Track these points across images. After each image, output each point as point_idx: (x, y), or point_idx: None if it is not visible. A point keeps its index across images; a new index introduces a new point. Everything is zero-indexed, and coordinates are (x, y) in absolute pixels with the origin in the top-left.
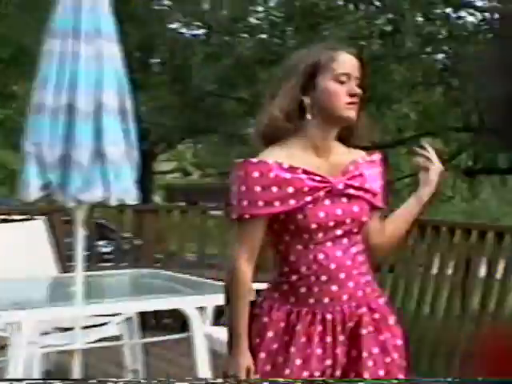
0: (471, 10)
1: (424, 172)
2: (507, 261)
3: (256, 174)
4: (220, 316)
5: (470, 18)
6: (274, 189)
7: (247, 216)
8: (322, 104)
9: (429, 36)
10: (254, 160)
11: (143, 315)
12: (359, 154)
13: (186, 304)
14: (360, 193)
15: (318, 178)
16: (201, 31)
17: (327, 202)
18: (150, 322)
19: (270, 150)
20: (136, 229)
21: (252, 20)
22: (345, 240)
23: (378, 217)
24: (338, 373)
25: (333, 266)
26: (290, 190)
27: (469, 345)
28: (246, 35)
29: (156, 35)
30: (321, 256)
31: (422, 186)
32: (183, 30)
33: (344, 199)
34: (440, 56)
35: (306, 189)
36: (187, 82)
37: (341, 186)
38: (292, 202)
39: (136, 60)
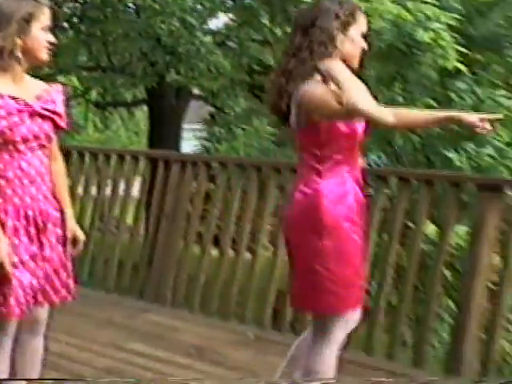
0: None
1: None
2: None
3: None
4: None
5: None
6: None
7: None
8: (31, 47)
9: None
10: None
11: None
12: (47, 84)
13: None
14: (51, 114)
15: (21, 102)
16: None
17: (28, 120)
18: None
19: None
20: None
21: None
22: (40, 152)
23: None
24: (47, 252)
25: (33, 172)
26: (2, 112)
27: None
28: None
29: None
30: (24, 164)
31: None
32: None
33: (39, 119)
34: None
35: (14, 111)
36: None
37: (38, 108)
38: (3, 122)
39: None
